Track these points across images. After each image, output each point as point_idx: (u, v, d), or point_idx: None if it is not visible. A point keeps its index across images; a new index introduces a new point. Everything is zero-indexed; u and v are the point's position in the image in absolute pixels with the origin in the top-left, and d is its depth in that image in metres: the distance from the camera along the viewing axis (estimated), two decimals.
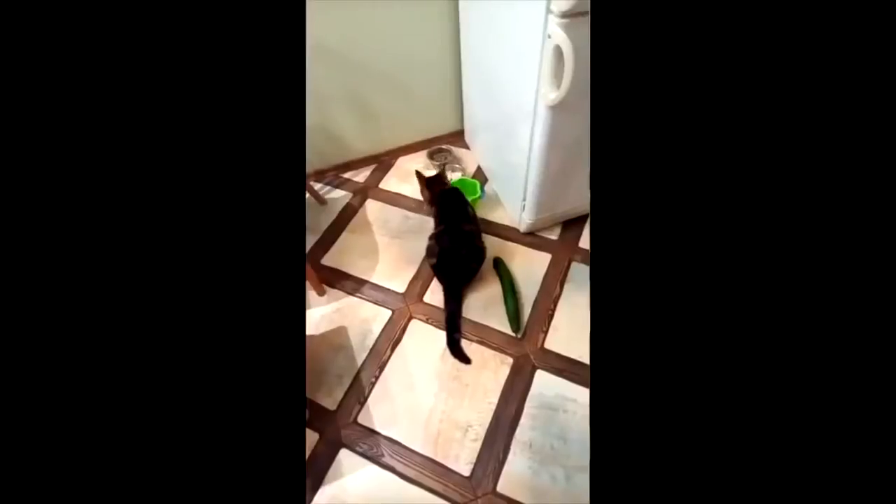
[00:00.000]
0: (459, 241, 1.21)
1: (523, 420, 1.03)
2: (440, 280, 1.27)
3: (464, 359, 1.13)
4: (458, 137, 1.69)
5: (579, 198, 1.34)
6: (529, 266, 1.31)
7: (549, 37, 0.89)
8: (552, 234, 1.39)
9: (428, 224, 1.44)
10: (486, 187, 1.51)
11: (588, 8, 0.84)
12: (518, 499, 0.93)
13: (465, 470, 0.97)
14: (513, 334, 1.18)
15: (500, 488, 0.95)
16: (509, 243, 1.37)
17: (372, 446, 1.02)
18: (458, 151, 1.64)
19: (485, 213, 1.45)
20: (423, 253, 1.36)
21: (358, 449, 1.01)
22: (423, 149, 1.65)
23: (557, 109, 1.00)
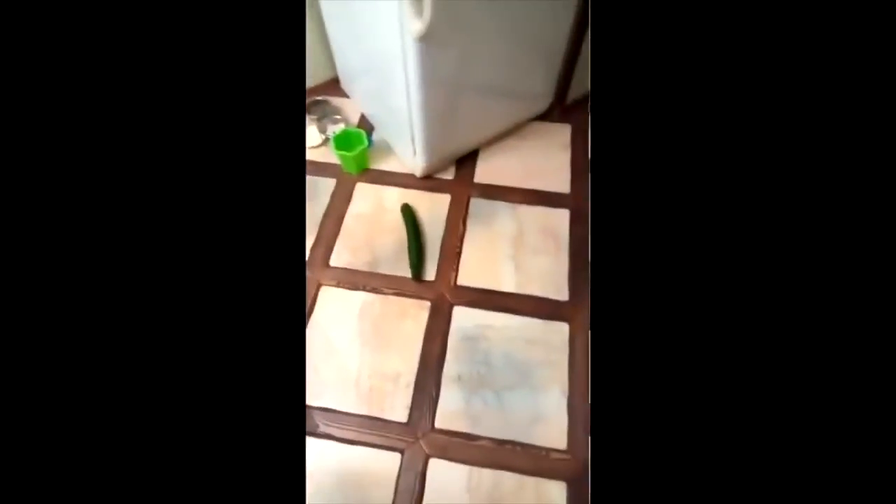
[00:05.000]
0: None
1: (448, 356, 1.07)
2: None
3: None
4: (333, 86, 1.56)
5: (468, 134, 1.34)
6: (431, 209, 1.31)
7: None
8: (448, 175, 1.38)
9: (317, 186, 1.36)
10: (374, 136, 1.44)
11: None
12: (456, 429, 0.99)
13: (403, 416, 1.00)
14: (422, 280, 1.18)
15: (438, 424, 0.99)
16: (409, 190, 1.35)
17: (305, 420, 0.99)
18: (337, 101, 1.53)
19: (378, 163, 1.40)
20: (317, 217, 1.29)
21: None
22: None
23: (427, 43, 0.95)
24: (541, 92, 1.41)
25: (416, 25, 0.90)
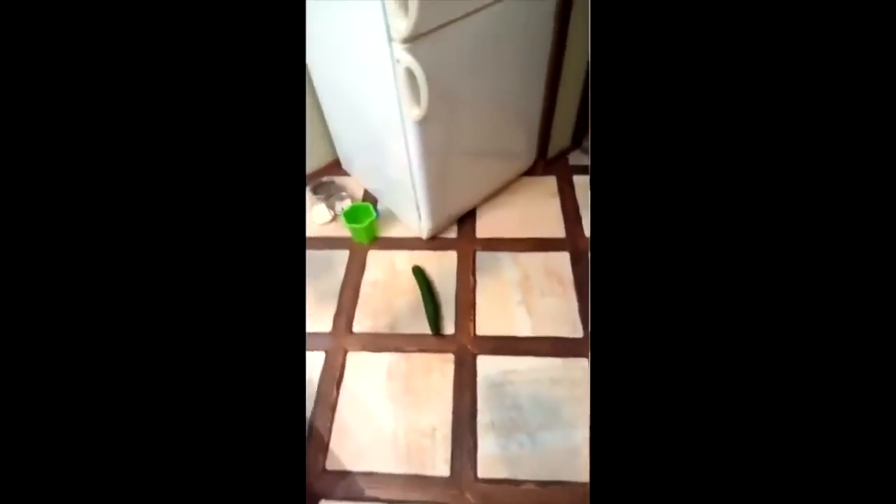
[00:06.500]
0: None
1: (479, 404, 1.11)
2: None
3: None
4: (335, 167, 1.71)
5: (466, 194, 1.46)
6: (441, 266, 1.40)
7: (398, 61, 0.97)
8: (451, 234, 1.49)
9: (332, 259, 1.44)
10: (379, 206, 1.56)
11: (428, 28, 0.93)
12: (497, 476, 1.01)
13: (445, 471, 1.02)
14: (442, 334, 1.25)
15: (480, 474, 1.01)
16: (418, 252, 1.44)
17: (349, 487, 1.01)
18: (341, 180, 1.67)
19: (386, 231, 1.50)
20: (336, 288, 1.37)
21: (337, 495, 1.00)
22: None
23: (425, 122, 1.09)
24: (525, 150, 1.56)
25: (415, 112, 1.04)
